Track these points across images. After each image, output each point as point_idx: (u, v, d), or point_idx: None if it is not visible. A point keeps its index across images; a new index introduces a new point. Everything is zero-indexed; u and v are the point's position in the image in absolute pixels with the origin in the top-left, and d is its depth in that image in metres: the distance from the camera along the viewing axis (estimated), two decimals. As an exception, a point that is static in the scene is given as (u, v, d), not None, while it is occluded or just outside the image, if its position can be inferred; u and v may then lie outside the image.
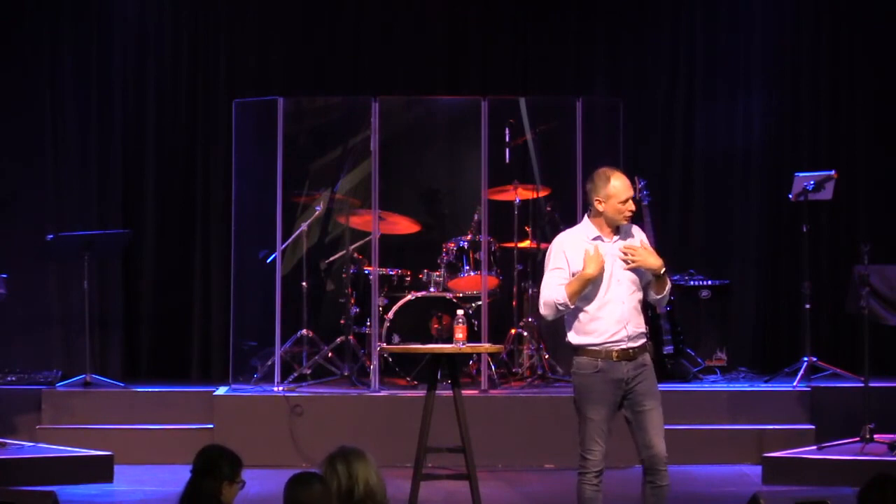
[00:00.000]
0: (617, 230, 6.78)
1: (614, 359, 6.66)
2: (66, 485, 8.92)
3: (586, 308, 6.69)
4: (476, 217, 10.86)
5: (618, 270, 6.70)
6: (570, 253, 6.73)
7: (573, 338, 6.75)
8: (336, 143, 11.58)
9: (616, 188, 6.70)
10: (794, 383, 10.38)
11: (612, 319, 6.67)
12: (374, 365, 10.44)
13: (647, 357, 6.74)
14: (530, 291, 10.97)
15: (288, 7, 11.94)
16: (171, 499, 5.39)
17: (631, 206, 6.74)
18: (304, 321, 10.79)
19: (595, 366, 6.68)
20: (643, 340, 6.74)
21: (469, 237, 10.96)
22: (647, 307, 7.05)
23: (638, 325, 6.72)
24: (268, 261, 10.64)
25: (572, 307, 6.68)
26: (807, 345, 10.59)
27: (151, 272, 11.79)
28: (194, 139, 11.85)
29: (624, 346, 6.67)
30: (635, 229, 6.87)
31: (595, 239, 6.72)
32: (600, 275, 6.65)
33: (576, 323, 6.73)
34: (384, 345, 10.19)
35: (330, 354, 10.73)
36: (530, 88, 11.84)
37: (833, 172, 10.61)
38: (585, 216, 6.85)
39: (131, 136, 11.76)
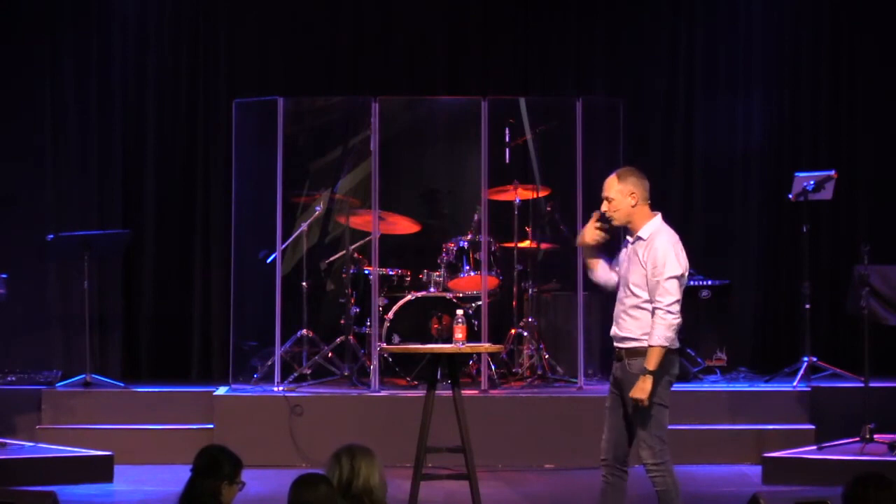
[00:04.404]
0: (633, 232, 6.75)
1: (615, 356, 6.73)
2: (66, 485, 8.94)
3: None
4: (476, 217, 10.86)
5: (622, 270, 6.73)
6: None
7: None
8: (336, 143, 11.58)
9: None
10: (794, 383, 10.38)
11: (614, 316, 6.72)
12: (374, 365, 10.43)
13: (635, 363, 6.54)
14: (530, 291, 10.98)
15: (288, 7, 11.94)
16: (171, 499, 5.39)
17: (605, 205, 6.73)
18: (304, 321, 10.79)
19: None
20: (633, 345, 6.58)
21: (469, 237, 10.95)
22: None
23: (627, 328, 6.62)
24: (268, 261, 10.63)
25: (590, 273, 6.88)
26: (807, 345, 10.59)
27: (151, 272, 11.79)
28: (194, 139, 11.85)
29: (615, 345, 6.71)
30: (649, 241, 6.66)
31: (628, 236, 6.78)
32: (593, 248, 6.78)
33: None
34: (384, 345, 10.19)
35: (330, 354, 10.73)
36: (530, 88, 11.85)
37: (833, 172, 10.61)
38: None
39: (131, 136, 11.76)
